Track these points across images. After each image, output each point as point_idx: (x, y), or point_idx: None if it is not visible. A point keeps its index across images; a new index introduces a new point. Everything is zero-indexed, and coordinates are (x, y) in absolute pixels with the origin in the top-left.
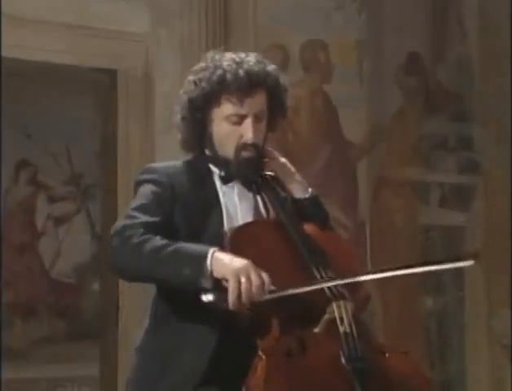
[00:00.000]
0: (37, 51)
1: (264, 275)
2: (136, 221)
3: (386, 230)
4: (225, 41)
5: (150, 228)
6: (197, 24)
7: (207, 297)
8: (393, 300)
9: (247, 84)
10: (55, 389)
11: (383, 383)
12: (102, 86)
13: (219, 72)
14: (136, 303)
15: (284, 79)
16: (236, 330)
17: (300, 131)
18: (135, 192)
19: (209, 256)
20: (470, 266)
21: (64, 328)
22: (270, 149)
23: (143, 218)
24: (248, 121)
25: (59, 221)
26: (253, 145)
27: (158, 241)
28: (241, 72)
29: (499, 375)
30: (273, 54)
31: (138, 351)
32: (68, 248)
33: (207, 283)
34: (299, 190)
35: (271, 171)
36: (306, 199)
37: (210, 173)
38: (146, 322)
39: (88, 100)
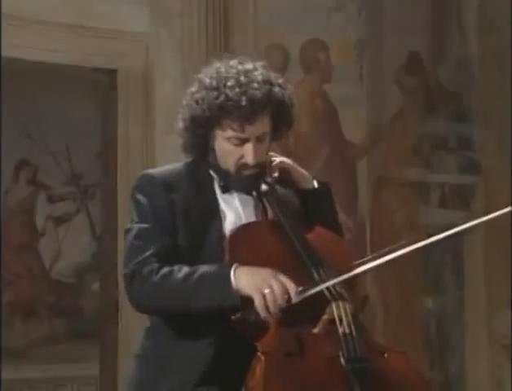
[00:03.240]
0: (37, 51)
1: (286, 280)
2: (146, 254)
3: (386, 230)
4: (225, 41)
5: (161, 256)
6: (197, 24)
7: (236, 316)
8: (393, 300)
9: (249, 112)
10: (55, 389)
11: (382, 383)
12: (102, 86)
13: (222, 98)
14: None
15: (290, 93)
16: (235, 331)
17: (300, 131)
18: (132, 199)
19: (232, 276)
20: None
21: (63, 328)
22: (269, 154)
23: (151, 248)
24: (249, 145)
25: (59, 221)
26: (254, 165)
27: (177, 272)
28: (244, 99)
29: (499, 375)
30: (273, 55)
31: (136, 358)
32: (68, 248)
33: (236, 301)
34: (305, 182)
35: (274, 174)
36: (315, 190)
37: (211, 178)
38: (144, 328)
39: (88, 100)
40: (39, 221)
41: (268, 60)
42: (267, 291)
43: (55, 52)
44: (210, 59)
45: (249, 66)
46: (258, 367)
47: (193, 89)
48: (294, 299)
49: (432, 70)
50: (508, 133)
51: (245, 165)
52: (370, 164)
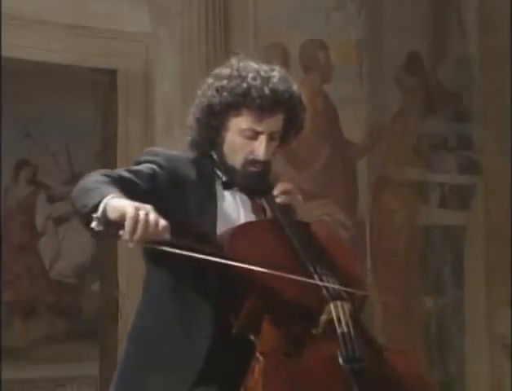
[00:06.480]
0: (37, 51)
1: (164, 221)
2: (115, 172)
3: (386, 230)
4: (225, 41)
5: (120, 181)
6: (197, 24)
7: (97, 226)
8: (393, 300)
9: (270, 103)
10: (55, 389)
11: (381, 383)
12: (102, 86)
13: (245, 85)
14: (136, 303)
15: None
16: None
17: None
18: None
19: (108, 197)
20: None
21: (63, 328)
22: (290, 186)
23: (123, 173)
24: (262, 139)
25: (59, 221)
26: (263, 162)
27: (94, 177)
28: (267, 90)
29: (499, 375)
30: (273, 54)
31: (129, 338)
32: (68, 248)
33: (98, 223)
34: (301, 216)
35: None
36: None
37: (214, 175)
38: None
39: (88, 100)
40: (39, 221)
41: (268, 60)
42: (141, 212)
43: (55, 52)
44: (210, 59)
45: (266, 67)
46: (257, 367)
47: (210, 80)
48: (166, 236)
49: (432, 70)
50: (508, 133)
51: (253, 161)
52: (370, 164)
